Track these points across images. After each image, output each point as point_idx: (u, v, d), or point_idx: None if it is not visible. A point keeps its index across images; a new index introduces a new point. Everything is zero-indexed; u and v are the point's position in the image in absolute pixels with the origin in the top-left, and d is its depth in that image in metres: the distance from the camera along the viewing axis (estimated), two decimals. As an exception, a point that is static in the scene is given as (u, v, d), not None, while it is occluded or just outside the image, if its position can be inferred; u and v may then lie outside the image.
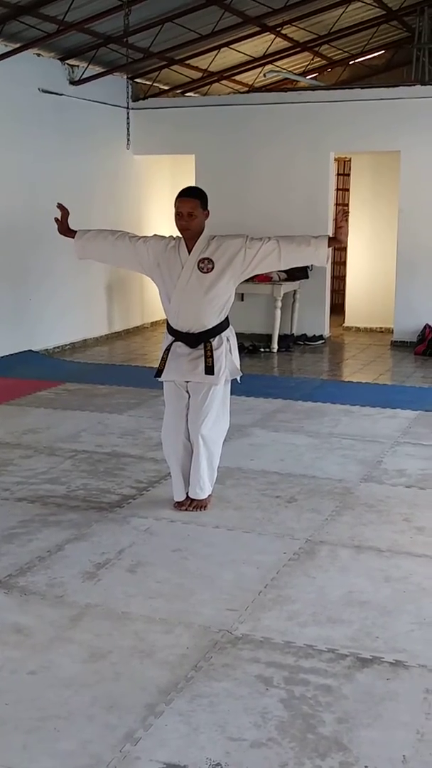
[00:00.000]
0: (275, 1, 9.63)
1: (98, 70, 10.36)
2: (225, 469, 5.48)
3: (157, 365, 4.78)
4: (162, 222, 11.45)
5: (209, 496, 4.85)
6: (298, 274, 10.69)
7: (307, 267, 10.78)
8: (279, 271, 10.44)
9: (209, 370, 4.58)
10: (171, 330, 4.72)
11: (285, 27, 10.83)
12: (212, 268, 4.53)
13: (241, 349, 9.81)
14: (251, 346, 10.21)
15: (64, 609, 3.65)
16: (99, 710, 2.92)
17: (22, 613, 3.62)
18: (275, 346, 10.42)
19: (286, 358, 10.13)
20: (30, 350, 9.63)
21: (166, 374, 4.69)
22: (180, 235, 4.61)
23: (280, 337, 10.52)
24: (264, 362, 9.83)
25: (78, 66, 10.17)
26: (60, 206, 4.73)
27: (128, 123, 10.12)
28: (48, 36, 8.90)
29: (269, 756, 2.69)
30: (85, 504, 4.96)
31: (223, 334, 4.69)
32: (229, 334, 4.76)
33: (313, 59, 12.95)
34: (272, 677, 3.13)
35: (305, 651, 3.32)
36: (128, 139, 10.22)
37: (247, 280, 11.27)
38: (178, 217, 4.52)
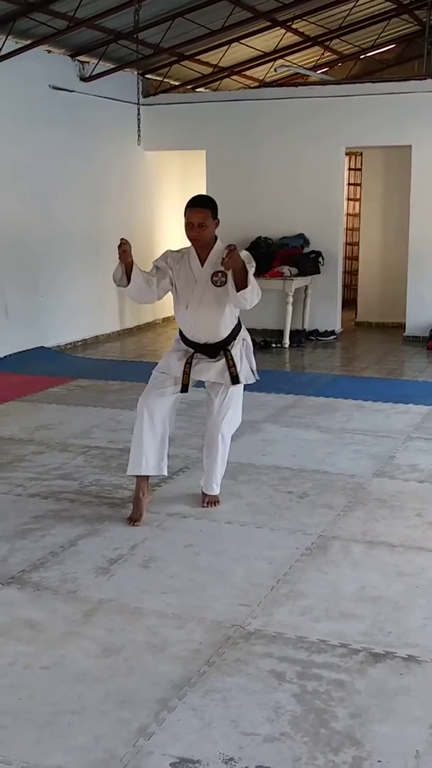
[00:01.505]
0: (285, -5, 9.62)
1: (109, 66, 10.36)
2: (237, 465, 5.49)
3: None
4: (173, 218, 11.47)
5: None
6: (310, 269, 10.68)
7: (319, 262, 10.77)
8: (290, 266, 10.44)
9: (235, 379, 4.61)
10: (187, 341, 4.68)
11: (295, 21, 10.81)
12: (225, 281, 4.45)
13: (253, 344, 9.88)
14: (263, 341, 10.19)
15: (77, 604, 3.67)
16: (112, 705, 2.93)
17: (35, 608, 3.64)
18: (287, 341, 10.41)
19: (297, 354, 10.12)
20: (42, 347, 9.65)
21: (192, 374, 4.60)
22: (189, 246, 4.56)
23: (291, 332, 10.51)
24: (276, 358, 9.82)
25: (88, 62, 10.17)
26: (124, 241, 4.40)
27: (139, 119, 10.14)
28: (58, 32, 8.91)
29: (282, 750, 2.69)
30: (97, 500, 4.97)
31: (239, 336, 4.70)
32: (245, 334, 4.77)
33: (323, 54, 12.91)
34: (285, 672, 3.13)
35: (318, 646, 3.32)
36: (139, 135, 10.24)
37: (258, 276, 11.25)
38: (189, 227, 4.44)
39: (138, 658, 3.23)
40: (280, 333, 10.50)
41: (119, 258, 4.36)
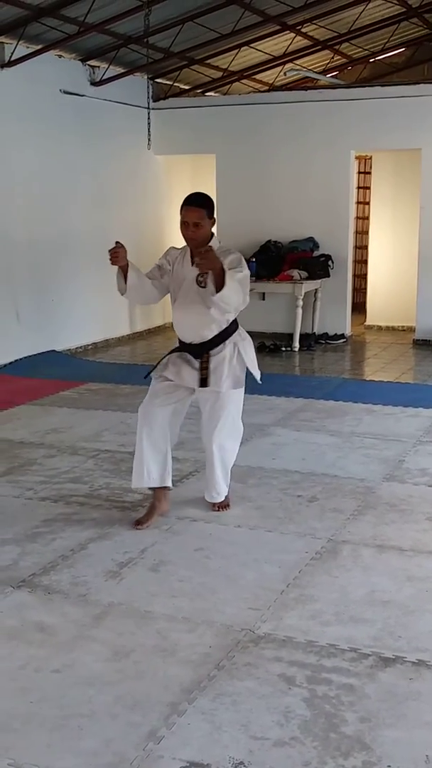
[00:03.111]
0: (295, -1, 9.62)
1: (119, 70, 10.39)
2: (246, 468, 5.50)
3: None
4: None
5: (227, 496, 4.87)
6: (320, 272, 10.67)
7: (328, 265, 10.77)
8: (299, 269, 10.45)
9: (203, 382, 4.49)
10: (179, 340, 4.65)
11: (305, 25, 10.81)
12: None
13: (262, 348, 9.91)
14: (272, 345, 10.20)
15: (88, 608, 3.68)
16: (122, 709, 2.94)
17: (45, 611, 3.65)
18: (296, 345, 10.40)
19: (307, 357, 10.12)
20: (53, 350, 9.68)
21: (165, 371, 4.55)
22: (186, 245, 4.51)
23: (301, 336, 10.51)
24: (285, 361, 9.82)
25: (99, 67, 10.20)
26: (118, 244, 4.38)
27: (149, 123, 10.14)
28: (69, 37, 8.94)
29: (292, 755, 2.70)
30: (107, 503, 4.98)
31: (228, 340, 4.54)
32: (237, 339, 4.60)
33: (333, 57, 12.91)
34: (295, 676, 3.14)
35: (328, 650, 3.32)
36: (149, 140, 10.24)
37: (268, 279, 11.21)
38: (184, 226, 4.40)
39: (148, 662, 3.24)
40: (289, 336, 10.50)
41: (110, 261, 4.30)
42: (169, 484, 4.68)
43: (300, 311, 10.43)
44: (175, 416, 4.65)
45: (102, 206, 10.45)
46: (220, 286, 4.17)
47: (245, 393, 4.76)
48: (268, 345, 10.11)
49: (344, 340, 11.06)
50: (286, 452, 5.99)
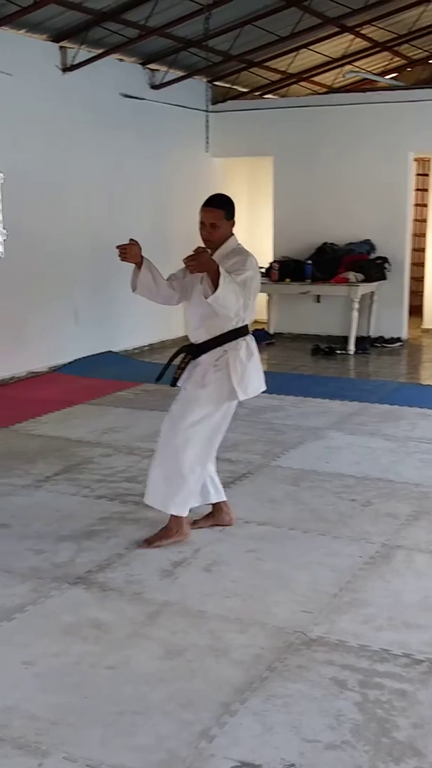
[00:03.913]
0: (354, 1, 9.57)
1: (178, 73, 10.46)
2: (300, 471, 5.51)
3: None
4: (239, 225, 11.49)
5: (174, 519, 4.41)
6: (376, 275, 10.61)
7: (385, 268, 10.69)
8: (356, 272, 10.39)
9: (174, 380, 4.42)
10: None
11: (364, 27, 10.75)
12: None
13: (317, 351, 9.87)
14: (327, 347, 10.16)
15: (142, 606, 3.73)
16: (175, 707, 2.98)
17: (101, 608, 3.71)
18: (352, 348, 10.34)
19: (362, 361, 10.06)
20: (110, 351, 9.79)
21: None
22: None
23: (356, 339, 10.44)
24: (340, 364, 9.77)
25: (158, 70, 10.28)
26: (131, 242, 4.38)
27: (207, 126, 10.19)
28: (130, 41, 9.04)
29: (343, 758, 2.70)
30: (162, 503, 5.02)
31: (218, 348, 4.32)
32: (231, 348, 4.32)
33: (392, 59, 12.81)
34: (347, 680, 3.14)
35: (380, 655, 3.32)
36: (207, 142, 10.29)
37: (323, 282, 11.10)
38: (201, 227, 4.38)
39: (201, 661, 3.28)
40: (344, 339, 10.44)
41: (119, 257, 4.29)
42: (212, 500, 4.58)
43: (356, 314, 10.38)
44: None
45: (160, 208, 10.53)
46: (214, 288, 4.03)
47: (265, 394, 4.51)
48: (323, 348, 10.07)
49: (400, 343, 10.97)
50: (340, 456, 5.98)
